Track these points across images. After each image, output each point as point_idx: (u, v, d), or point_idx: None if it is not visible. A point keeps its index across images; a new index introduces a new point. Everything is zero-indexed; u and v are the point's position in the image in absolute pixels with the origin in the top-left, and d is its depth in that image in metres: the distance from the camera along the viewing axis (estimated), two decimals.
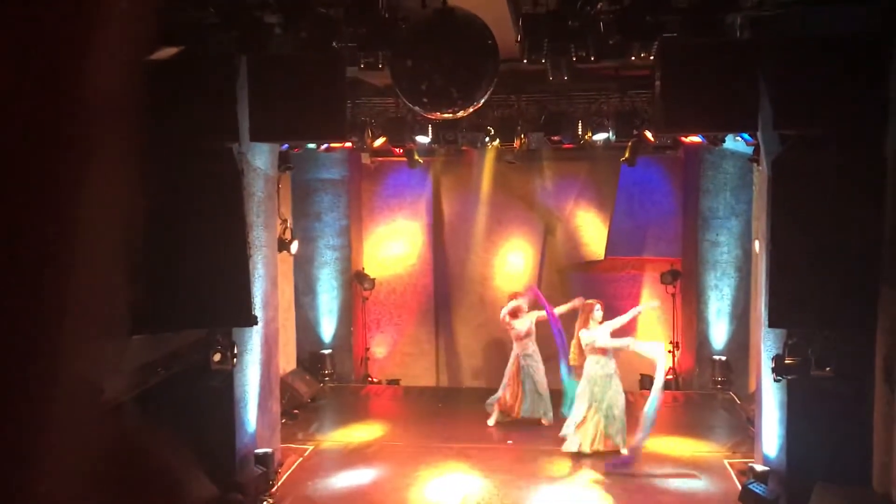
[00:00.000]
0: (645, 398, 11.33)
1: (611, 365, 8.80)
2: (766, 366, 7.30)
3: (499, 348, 10.24)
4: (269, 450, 8.02)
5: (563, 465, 8.67)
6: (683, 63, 6.13)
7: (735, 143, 9.62)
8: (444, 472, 8.56)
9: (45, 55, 1.21)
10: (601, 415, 8.73)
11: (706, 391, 11.36)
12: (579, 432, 8.78)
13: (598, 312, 8.94)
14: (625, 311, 13.17)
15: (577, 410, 8.84)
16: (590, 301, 9.06)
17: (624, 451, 8.71)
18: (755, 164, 9.14)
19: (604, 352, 8.78)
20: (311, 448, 9.26)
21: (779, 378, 7.02)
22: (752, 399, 9.00)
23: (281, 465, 8.47)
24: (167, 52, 6.15)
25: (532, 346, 9.83)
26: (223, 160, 6.62)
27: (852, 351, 6.49)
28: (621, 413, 8.81)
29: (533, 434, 9.54)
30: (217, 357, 7.33)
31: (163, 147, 6.42)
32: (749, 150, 9.29)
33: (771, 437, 7.50)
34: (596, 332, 8.83)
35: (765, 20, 6.24)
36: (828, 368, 6.73)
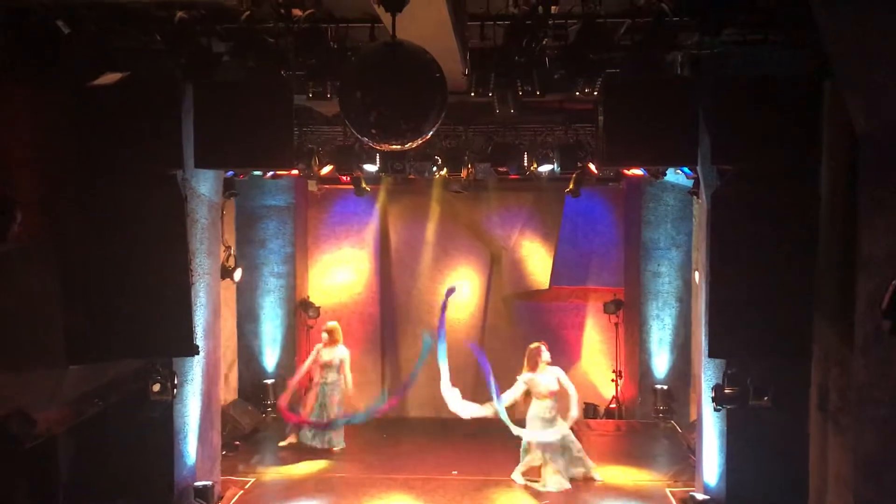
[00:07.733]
0: (590, 427, 11.42)
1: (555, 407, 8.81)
2: (707, 395, 7.44)
3: None
4: (209, 482, 7.87)
5: (508, 497, 8.66)
6: (626, 98, 6.30)
7: (676, 176, 9.86)
8: (388, 503, 8.47)
9: None
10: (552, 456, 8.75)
11: (648, 420, 11.50)
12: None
13: (545, 354, 8.82)
14: (570, 341, 13.16)
15: (534, 456, 8.84)
16: (535, 345, 8.89)
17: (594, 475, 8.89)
18: (695, 197, 9.37)
19: (553, 395, 8.76)
20: (252, 480, 9.07)
21: (719, 407, 7.16)
22: (694, 428, 9.14)
23: (221, 498, 8.29)
24: (111, 77, 6.06)
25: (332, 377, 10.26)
26: (167, 186, 6.52)
27: (789, 380, 6.66)
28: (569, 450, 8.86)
29: (478, 465, 9.50)
30: (156, 387, 7.16)
31: (105, 171, 6.31)
32: (689, 183, 9.54)
33: (711, 465, 7.62)
34: (551, 375, 8.78)
35: (704, 59, 6.44)
36: (765, 398, 6.89)
